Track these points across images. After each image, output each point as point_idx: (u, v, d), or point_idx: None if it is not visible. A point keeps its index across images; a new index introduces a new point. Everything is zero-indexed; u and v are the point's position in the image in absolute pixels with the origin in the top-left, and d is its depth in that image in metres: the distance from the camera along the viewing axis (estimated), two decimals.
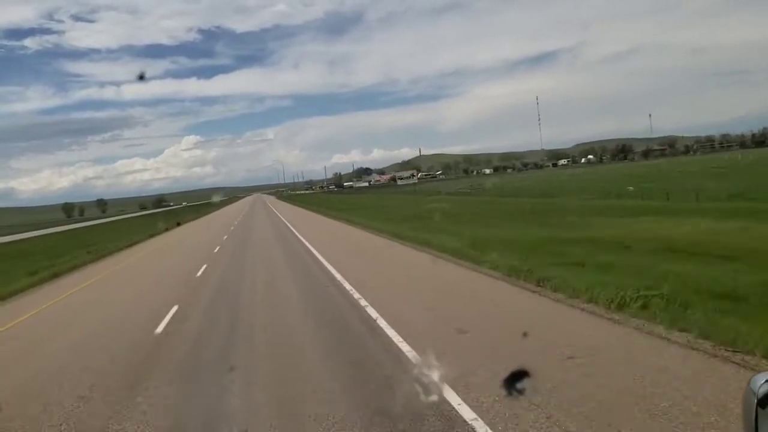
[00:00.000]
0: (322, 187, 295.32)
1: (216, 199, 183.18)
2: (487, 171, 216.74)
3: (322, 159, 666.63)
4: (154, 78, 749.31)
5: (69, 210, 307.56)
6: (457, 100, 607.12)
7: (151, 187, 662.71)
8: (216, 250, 26.76)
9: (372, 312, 10.27)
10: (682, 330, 7.41)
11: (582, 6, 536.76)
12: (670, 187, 42.14)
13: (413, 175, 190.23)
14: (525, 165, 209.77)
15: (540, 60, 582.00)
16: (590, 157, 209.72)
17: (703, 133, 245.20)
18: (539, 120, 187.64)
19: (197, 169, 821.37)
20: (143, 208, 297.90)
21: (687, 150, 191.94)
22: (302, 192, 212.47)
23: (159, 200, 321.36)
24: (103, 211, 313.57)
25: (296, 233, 33.43)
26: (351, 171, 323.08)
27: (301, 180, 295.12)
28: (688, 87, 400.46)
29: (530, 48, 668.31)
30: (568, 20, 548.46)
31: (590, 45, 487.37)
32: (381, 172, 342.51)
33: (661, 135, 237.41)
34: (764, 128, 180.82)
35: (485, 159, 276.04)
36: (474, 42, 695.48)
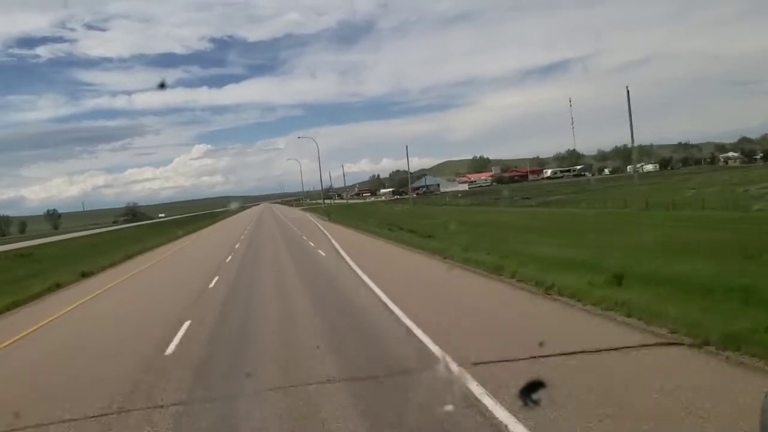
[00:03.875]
0: (358, 194, 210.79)
1: (234, 206, 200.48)
2: (649, 166, 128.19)
3: (333, 168, 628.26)
4: (166, 87, 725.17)
5: (4, 225, 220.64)
6: (467, 110, 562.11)
7: (160, 196, 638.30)
8: None
9: None
10: None
11: (594, 15, 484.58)
12: None
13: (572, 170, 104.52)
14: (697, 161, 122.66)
15: (552, 69, 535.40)
16: None
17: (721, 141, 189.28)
18: (572, 124, 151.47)
19: (206, 178, 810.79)
20: (116, 221, 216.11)
21: None
22: (340, 201, 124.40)
23: (130, 212, 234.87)
24: (55, 227, 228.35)
25: None
26: (379, 177, 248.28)
27: (309, 189, 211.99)
28: (702, 95, 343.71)
29: (542, 57, 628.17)
30: (580, 30, 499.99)
31: (603, 54, 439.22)
32: (422, 174, 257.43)
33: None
34: None
35: (600, 156, 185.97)
36: (485, 52, 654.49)
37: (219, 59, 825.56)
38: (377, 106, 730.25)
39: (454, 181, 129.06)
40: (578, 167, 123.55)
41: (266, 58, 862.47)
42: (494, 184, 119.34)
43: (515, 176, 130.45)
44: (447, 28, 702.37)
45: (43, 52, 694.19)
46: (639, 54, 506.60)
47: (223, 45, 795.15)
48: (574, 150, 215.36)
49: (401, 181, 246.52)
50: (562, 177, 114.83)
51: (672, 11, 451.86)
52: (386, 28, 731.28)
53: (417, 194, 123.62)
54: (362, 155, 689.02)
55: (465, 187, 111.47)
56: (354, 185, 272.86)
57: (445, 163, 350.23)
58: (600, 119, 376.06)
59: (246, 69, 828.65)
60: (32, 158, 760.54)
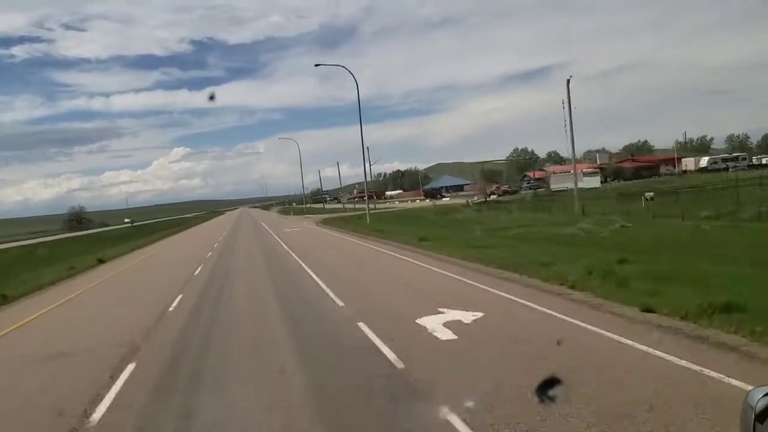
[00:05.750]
0: (372, 197, 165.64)
1: None
2: None
3: (313, 173, 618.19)
4: (145, 89, 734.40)
5: None
6: (449, 115, 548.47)
7: (137, 200, 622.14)
8: None
9: None
10: None
11: (574, 24, 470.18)
12: None
13: None
14: None
15: (532, 75, 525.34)
16: None
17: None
18: (565, 127, 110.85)
19: (184, 182, 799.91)
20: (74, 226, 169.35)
21: None
22: (362, 208, 79.14)
23: (75, 217, 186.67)
24: None
25: None
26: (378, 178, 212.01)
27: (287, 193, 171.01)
28: (678, 104, 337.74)
29: (522, 64, 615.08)
30: (561, 37, 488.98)
31: (584, 61, 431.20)
32: (425, 176, 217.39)
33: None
34: None
35: (680, 148, 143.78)
36: (466, 57, 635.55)
37: (199, 62, 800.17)
38: (357, 111, 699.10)
39: (550, 175, 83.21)
40: (740, 155, 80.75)
41: (247, 61, 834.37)
42: (610, 180, 75.81)
43: (636, 168, 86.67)
44: (429, 33, 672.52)
45: (19, 52, 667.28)
46: (618, 62, 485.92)
47: (203, 47, 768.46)
48: (646, 142, 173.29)
49: (412, 182, 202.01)
50: (727, 169, 71.79)
51: (652, 21, 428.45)
52: (369, 33, 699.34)
53: (496, 194, 78.40)
54: (343, 159, 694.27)
55: (594, 182, 67.03)
56: (353, 186, 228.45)
57: (437, 165, 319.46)
58: (584, 124, 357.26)
59: (226, 72, 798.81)
60: (5, 160, 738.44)
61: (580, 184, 65.41)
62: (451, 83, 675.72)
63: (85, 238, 73.29)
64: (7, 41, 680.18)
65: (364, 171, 43.82)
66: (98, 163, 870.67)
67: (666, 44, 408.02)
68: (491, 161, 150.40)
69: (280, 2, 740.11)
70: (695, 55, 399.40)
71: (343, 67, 42.38)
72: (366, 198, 48.59)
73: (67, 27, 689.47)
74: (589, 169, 76.43)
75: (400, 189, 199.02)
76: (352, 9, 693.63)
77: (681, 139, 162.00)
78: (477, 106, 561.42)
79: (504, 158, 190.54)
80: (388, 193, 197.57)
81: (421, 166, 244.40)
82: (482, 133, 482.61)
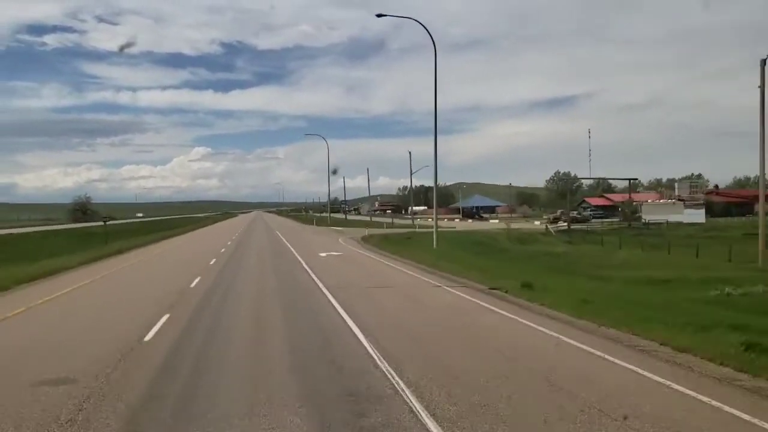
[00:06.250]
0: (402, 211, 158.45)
1: None
2: None
3: (331, 182, 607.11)
4: (171, 87, 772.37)
5: None
6: (470, 136, 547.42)
7: (154, 195, 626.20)
8: None
9: None
10: None
11: (602, 55, 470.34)
12: None
13: None
14: None
15: (558, 103, 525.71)
16: None
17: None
18: (590, 156, 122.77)
19: (202, 181, 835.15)
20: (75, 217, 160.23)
21: None
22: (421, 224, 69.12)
23: (80, 208, 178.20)
24: None
25: None
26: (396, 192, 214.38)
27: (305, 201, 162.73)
28: (699, 142, 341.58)
29: (548, 91, 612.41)
30: (588, 67, 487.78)
31: (608, 94, 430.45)
32: (451, 195, 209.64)
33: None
34: None
35: (736, 184, 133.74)
36: (492, 80, 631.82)
37: (227, 64, 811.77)
38: (380, 125, 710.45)
39: (641, 203, 70.56)
40: None
41: (274, 66, 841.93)
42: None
43: (726, 203, 75.18)
44: (457, 54, 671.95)
45: (50, 40, 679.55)
46: (641, 97, 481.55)
47: (233, 50, 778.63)
48: (701, 175, 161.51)
49: (438, 199, 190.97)
50: None
51: (677, 59, 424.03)
52: (396, 49, 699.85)
53: (561, 221, 66.48)
54: (360, 171, 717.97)
55: (698, 216, 55.88)
56: (374, 197, 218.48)
57: (456, 185, 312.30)
58: (604, 155, 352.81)
59: (253, 76, 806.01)
60: (29, 146, 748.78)
61: (679, 218, 54.54)
62: (475, 104, 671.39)
63: (61, 233, 62.60)
64: (40, 29, 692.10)
65: (435, 175, 33.11)
66: (119, 156, 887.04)
67: (691, 82, 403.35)
68: (579, 177, 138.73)
69: (312, 12, 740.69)
70: (717, 94, 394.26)
71: (415, 20, 33.31)
72: (435, 215, 37.36)
73: (100, 19, 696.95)
74: (658, 199, 65.24)
75: (424, 205, 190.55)
76: (381, 24, 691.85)
77: (739, 176, 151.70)
78: (500, 129, 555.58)
79: (543, 183, 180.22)
80: (414, 208, 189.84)
81: (441, 185, 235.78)
82: (504, 156, 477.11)
